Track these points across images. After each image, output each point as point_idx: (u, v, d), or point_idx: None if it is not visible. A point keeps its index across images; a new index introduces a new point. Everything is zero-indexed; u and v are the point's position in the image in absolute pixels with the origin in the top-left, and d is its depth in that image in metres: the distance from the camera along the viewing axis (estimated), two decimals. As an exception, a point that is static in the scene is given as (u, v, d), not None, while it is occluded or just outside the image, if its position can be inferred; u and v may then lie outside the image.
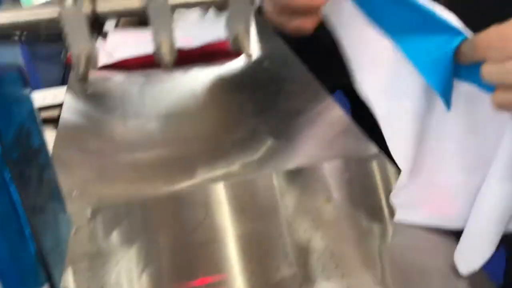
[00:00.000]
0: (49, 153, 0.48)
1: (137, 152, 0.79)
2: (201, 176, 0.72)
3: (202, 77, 1.02)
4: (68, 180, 0.71)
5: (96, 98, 0.97)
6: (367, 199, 0.66)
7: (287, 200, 0.66)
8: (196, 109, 0.91)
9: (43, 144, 0.43)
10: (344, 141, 0.71)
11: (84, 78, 0.28)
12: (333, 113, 0.83)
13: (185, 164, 0.76)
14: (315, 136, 0.81)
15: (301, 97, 0.92)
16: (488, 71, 0.45)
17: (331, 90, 0.84)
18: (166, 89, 0.98)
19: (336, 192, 0.67)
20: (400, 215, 0.59)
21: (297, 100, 0.91)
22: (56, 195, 0.51)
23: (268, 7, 0.57)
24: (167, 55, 0.29)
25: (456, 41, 0.48)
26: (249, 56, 0.33)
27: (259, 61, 1.07)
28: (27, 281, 0.40)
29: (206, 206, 0.66)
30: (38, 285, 0.40)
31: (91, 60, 0.28)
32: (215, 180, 0.71)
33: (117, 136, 0.84)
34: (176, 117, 0.88)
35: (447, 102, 0.51)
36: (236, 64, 1.05)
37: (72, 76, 1.05)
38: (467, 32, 0.48)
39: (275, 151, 0.78)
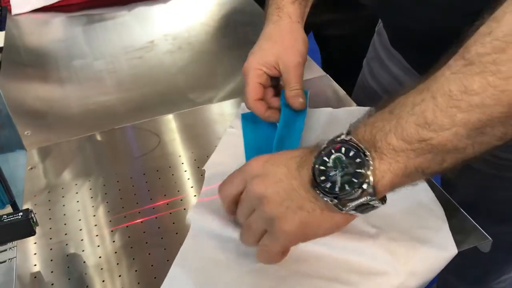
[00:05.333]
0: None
1: (85, 93, 0.79)
2: (153, 110, 0.73)
3: (147, 14, 1.00)
4: (19, 122, 0.70)
5: (38, 41, 0.94)
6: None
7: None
8: (143, 47, 0.90)
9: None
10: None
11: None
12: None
13: (135, 101, 0.76)
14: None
15: (248, 28, 0.93)
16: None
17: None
18: (110, 28, 0.96)
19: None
20: None
21: (244, 31, 0.92)
22: (8, 123, 0.51)
23: None
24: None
25: None
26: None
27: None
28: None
29: (159, 135, 0.68)
30: (3, 203, 0.41)
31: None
32: (166, 113, 0.72)
33: (64, 77, 0.83)
34: (123, 56, 0.87)
35: None
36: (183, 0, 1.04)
37: (10, 20, 1.00)
38: None
39: (225, 81, 0.79)
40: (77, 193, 0.60)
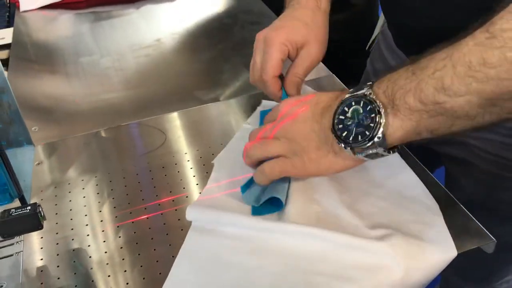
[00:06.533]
0: (5, 78, 0.48)
1: (92, 90, 0.79)
2: (159, 107, 0.74)
3: (154, 12, 1.01)
4: (27, 118, 0.70)
5: (46, 38, 0.95)
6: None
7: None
8: (150, 44, 0.90)
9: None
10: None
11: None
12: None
13: (142, 98, 0.77)
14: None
15: (255, 27, 0.93)
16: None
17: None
18: (117, 25, 0.97)
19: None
20: None
21: (252, 30, 0.92)
22: (17, 119, 0.52)
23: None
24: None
25: None
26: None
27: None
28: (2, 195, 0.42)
29: (165, 133, 0.68)
30: (12, 197, 0.42)
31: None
32: (172, 110, 0.72)
33: (71, 74, 0.83)
34: (130, 54, 0.88)
35: None
36: (190, -1, 1.05)
37: (18, 17, 1.01)
38: None
39: (231, 80, 0.80)
40: (83, 188, 0.60)
